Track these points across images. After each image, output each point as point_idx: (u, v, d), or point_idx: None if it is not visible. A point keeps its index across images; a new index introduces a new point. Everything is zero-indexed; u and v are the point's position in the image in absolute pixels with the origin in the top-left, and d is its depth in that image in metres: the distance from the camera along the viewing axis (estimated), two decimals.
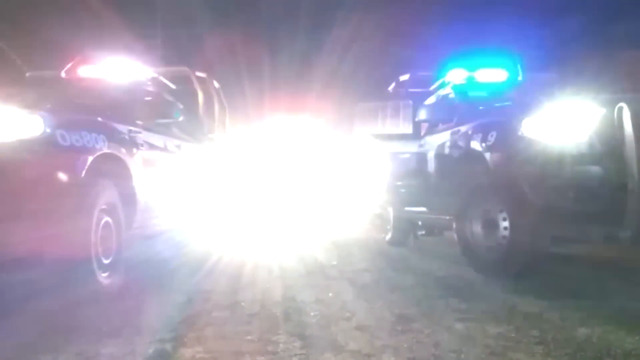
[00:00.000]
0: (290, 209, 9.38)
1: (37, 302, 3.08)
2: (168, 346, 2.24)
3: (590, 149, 3.24)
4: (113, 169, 3.40)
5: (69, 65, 4.76)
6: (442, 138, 4.89)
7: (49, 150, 2.82)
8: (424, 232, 5.77)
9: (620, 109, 3.13)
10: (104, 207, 3.23)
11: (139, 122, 3.95)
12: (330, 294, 3.34)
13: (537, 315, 2.70)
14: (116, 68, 4.69)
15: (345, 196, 7.26)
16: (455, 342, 2.27)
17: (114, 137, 3.45)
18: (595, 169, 3.22)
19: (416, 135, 5.61)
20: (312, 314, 2.81)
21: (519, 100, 4.59)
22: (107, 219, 3.28)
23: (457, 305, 2.96)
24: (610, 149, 3.16)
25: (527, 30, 8.61)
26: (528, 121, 3.51)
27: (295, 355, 2.10)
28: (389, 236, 6.52)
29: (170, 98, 5.13)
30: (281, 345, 2.23)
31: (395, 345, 2.22)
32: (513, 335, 2.35)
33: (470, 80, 5.33)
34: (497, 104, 4.52)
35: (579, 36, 8.24)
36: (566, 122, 3.36)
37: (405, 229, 6.40)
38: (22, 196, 2.68)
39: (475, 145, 4.05)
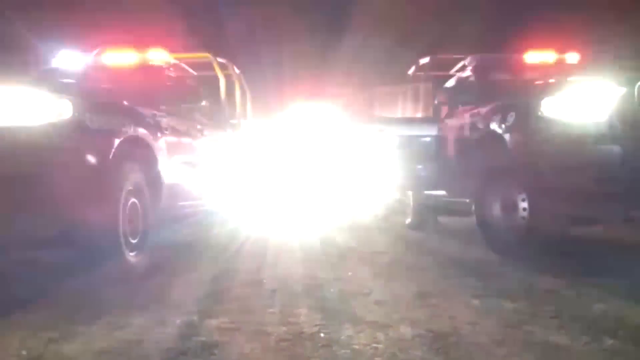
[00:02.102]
0: (311, 193, 9.47)
1: (70, 278, 3.23)
2: (195, 317, 2.34)
3: (609, 129, 3.23)
4: (139, 152, 3.51)
5: (95, 52, 4.88)
6: (461, 120, 4.90)
7: (78, 133, 2.92)
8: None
9: None
10: (130, 188, 3.34)
11: (162, 106, 4.06)
12: (349, 273, 3.41)
13: (554, 292, 2.74)
14: (140, 54, 4.79)
15: (365, 180, 7.30)
16: (471, 315, 2.32)
17: (139, 121, 3.55)
18: (615, 149, 3.21)
19: (436, 118, 5.62)
20: (331, 290, 2.89)
21: (538, 80, 4.57)
22: (133, 200, 3.40)
23: (475, 283, 3.01)
24: (630, 128, 3.15)
25: (544, 9, 8.48)
26: (547, 101, 3.50)
27: (316, 325, 2.18)
28: (408, 220, 6.57)
29: (192, 83, 5.24)
30: (302, 317, 2.32)
31: (413, 317, 2.28)
32: (529, 310, 2.40)
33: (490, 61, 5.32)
34: (516, 85, 4.50)
35: (598, 15, 8.08)
36: (586, 101, 3.35)
37: (425, 213, 6.43)
38: (53, 178, 2.79)
39: (495, 126, 4.06)
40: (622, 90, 3.21)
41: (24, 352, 1.95)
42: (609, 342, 1.94)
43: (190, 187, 4.40)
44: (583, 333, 2.04)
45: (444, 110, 5.67)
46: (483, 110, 4.38)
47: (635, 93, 3.13)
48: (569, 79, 3.89)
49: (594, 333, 2.03)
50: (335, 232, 5.77)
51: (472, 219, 4.34)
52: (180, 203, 4.32)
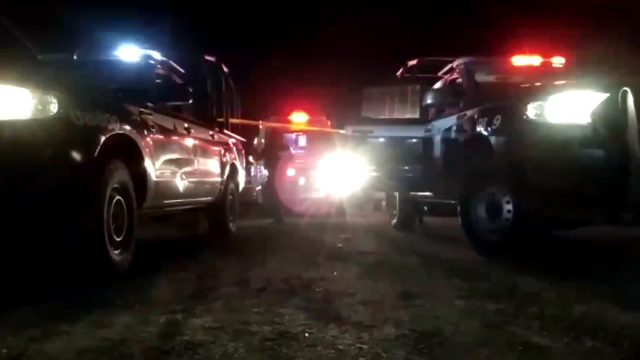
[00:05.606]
0: (298, 193, 9.46)
1: (53, 276, 3.19)
2: (179, 316, 2.33)
3: (593, 133, 3.27)
4: (124, 150, 3.48)
5: (81, 48, 4.83)
6: (448, 122, 4.94)
7: (63, 129, 2.89)
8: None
9: (625, 92, 3.16)
10: (115, 186, 3.31)
11: (149, 104, 4.03)
12: (335, 273, 3.42)
13: (537, 293, 2.76)
14: (127, 51, 4.76)
15: (352, 181, 7.33)
16: (455, 316, 2.34)
17: (125, 118, 3.52)
18: (599, 152, 3.26)
19: (423, 120, 5.66)
20: (317, 290, 2.90)
21: (522, 84, 4.62)
22: (118, 197, 3.37)
23: (459, 284, 3.03)
24: (614, 132, 3.20)
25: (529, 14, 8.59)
26: (533, 105, 3.54)
27: (300, 325, 2.18)
28: (394, 221, 6.60)
29: (179, 81, 5.21)
30: (287, 317, 2.31)
31: (397, 318, 2.29)
32: (511, 311, 2.41)
33: (477, 63, 5.36)
34: (503, 88, 4.55)
35: (584, 20, 8.19)
36: (570, 105, 3.39)
37: (411, 214, 6.47)
38: (37, 175, 2.76)
39: (481, 129, 4.10)
40: (606, 95, 3.26)
41: (4, 351, 1.93)
42: (590, 343, 1.97)
43: (176, 186, 4.38)
44: (564, 334, 2.06)
45: (432, 112, 5.70)
46: (470, 112, 4.42)
47: (619, 98, 3.17)
48: (554, 83, 3.93)
49: (575, 334, 2.05)
50: (321, 232, 5.78)
51: (458, 220, 4.37)
52: (166, 201, 4.30)
